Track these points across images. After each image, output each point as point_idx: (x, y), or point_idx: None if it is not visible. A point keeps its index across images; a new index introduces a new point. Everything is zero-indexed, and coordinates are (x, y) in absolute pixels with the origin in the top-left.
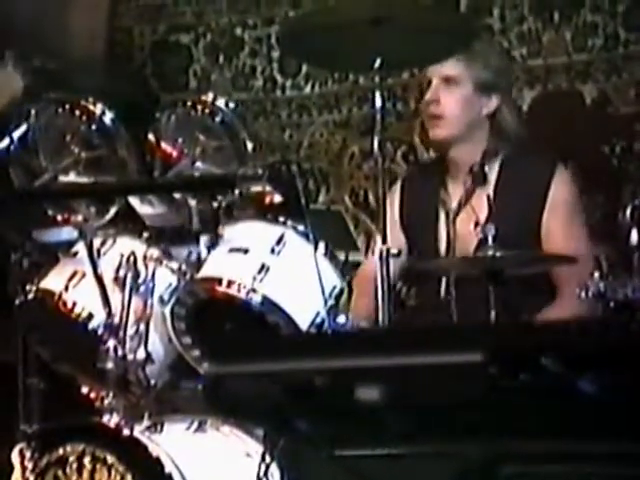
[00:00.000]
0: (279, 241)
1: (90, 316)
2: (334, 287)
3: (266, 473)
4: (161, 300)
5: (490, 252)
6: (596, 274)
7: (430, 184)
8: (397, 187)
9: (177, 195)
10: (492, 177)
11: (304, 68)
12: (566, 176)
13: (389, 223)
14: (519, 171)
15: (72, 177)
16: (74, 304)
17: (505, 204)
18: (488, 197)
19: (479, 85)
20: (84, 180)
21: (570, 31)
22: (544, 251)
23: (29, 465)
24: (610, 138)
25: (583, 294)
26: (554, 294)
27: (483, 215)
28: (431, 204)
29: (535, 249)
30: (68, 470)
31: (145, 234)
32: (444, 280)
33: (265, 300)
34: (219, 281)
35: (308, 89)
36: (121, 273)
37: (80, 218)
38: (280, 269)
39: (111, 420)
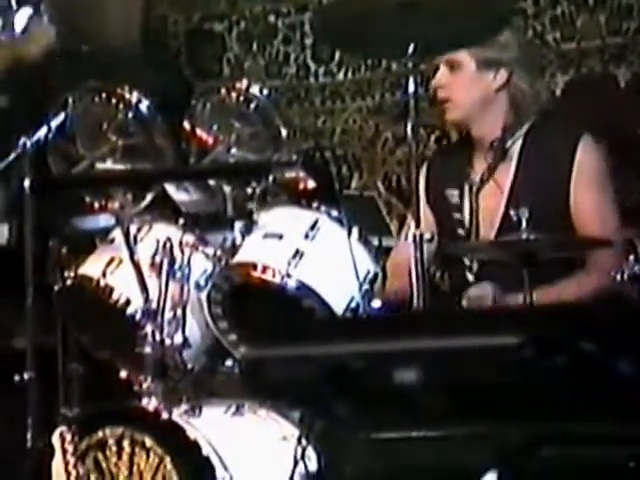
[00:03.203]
0: (313, 226)
1: (128, 302)
2: (368, 272)
3: (302, 456)
4: (197, 285)
5: (524, 235)
6: (631, 257)
7: (456, 161)
8: (423, 168)
9: (212, 182)
10: (515, 151)
11: (337, 55)
12: (592, 144)
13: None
14: (543, 142)
15: (109, 164)
16: (112, 290)
17: (530, 177)
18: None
19: (482, 62)
20: (121, 167)
21: (605, 14)
22: (573, 222)
23: (69, 448)
24: None
25: (618, 276)
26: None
27: (507, 189)
28: (457, 180)
29: (563, 222)
30: (108, 453)
31: (181, 220)
32: (467, 262)
33: (300, 285)
34: (254, 266)
35: (341, 76)
36: (157, 259)
37: (117, 205)
38: (314, 254)
39: (150, 404)
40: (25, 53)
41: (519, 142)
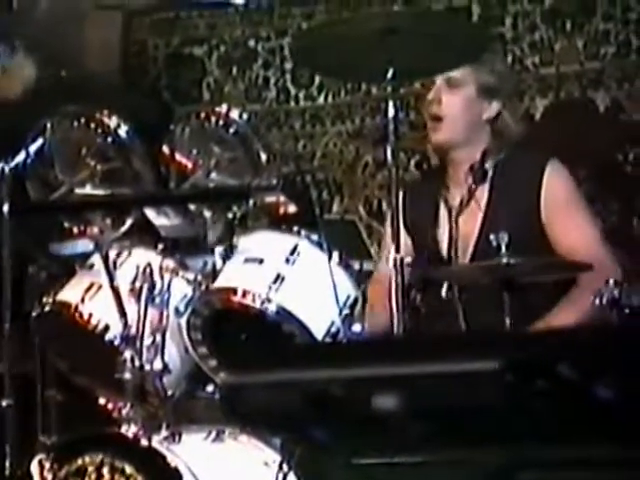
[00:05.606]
0: (293, 251)
1: (107, 327)
2: (349, 296)
3: None
4: (177, 311)
5: (504, 259)
6: (611, 281)
7: (432, 186)
8: (400, 194)
9: (192, 206)
10: (489, 175)
11: (317, 79)
12: (559, 168)
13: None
14: (511, 168)
15: (88, 189)
16: (90, 316)
17: (502, 201)
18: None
19: (482, 89)
20: (100, 192)
21: (582, 39)
22: (550, 244)
23: (48, 476)
24: (623, 145)
25: (597, 301)
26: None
27: (481, 213)
28: (433, 205)
29: (537, 245)
30: None
31: (160, 245)
32: (445, 285)
33: (280, 310)
34: (234, 291)
35: (321, 100)
36: (137, 284)
37: (96, 230)
38: (295, 279)
39: (129, 430)
40: (5, 90)
41: (490, 168)
